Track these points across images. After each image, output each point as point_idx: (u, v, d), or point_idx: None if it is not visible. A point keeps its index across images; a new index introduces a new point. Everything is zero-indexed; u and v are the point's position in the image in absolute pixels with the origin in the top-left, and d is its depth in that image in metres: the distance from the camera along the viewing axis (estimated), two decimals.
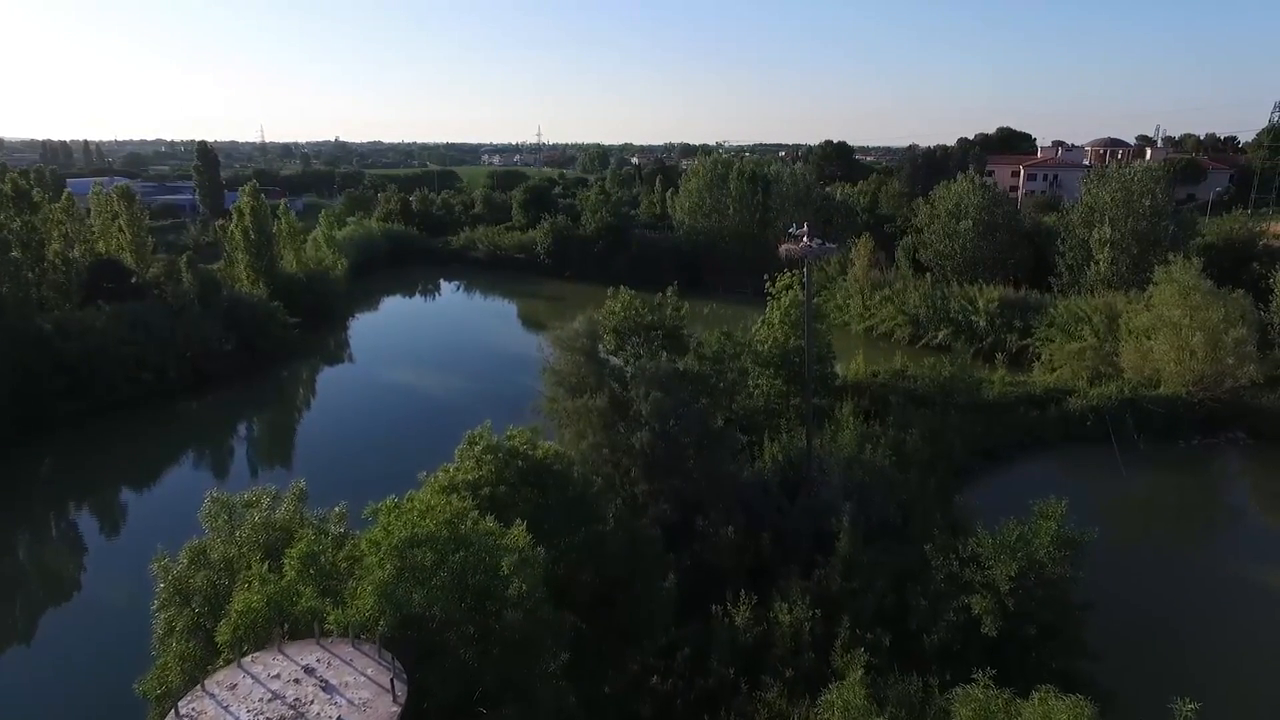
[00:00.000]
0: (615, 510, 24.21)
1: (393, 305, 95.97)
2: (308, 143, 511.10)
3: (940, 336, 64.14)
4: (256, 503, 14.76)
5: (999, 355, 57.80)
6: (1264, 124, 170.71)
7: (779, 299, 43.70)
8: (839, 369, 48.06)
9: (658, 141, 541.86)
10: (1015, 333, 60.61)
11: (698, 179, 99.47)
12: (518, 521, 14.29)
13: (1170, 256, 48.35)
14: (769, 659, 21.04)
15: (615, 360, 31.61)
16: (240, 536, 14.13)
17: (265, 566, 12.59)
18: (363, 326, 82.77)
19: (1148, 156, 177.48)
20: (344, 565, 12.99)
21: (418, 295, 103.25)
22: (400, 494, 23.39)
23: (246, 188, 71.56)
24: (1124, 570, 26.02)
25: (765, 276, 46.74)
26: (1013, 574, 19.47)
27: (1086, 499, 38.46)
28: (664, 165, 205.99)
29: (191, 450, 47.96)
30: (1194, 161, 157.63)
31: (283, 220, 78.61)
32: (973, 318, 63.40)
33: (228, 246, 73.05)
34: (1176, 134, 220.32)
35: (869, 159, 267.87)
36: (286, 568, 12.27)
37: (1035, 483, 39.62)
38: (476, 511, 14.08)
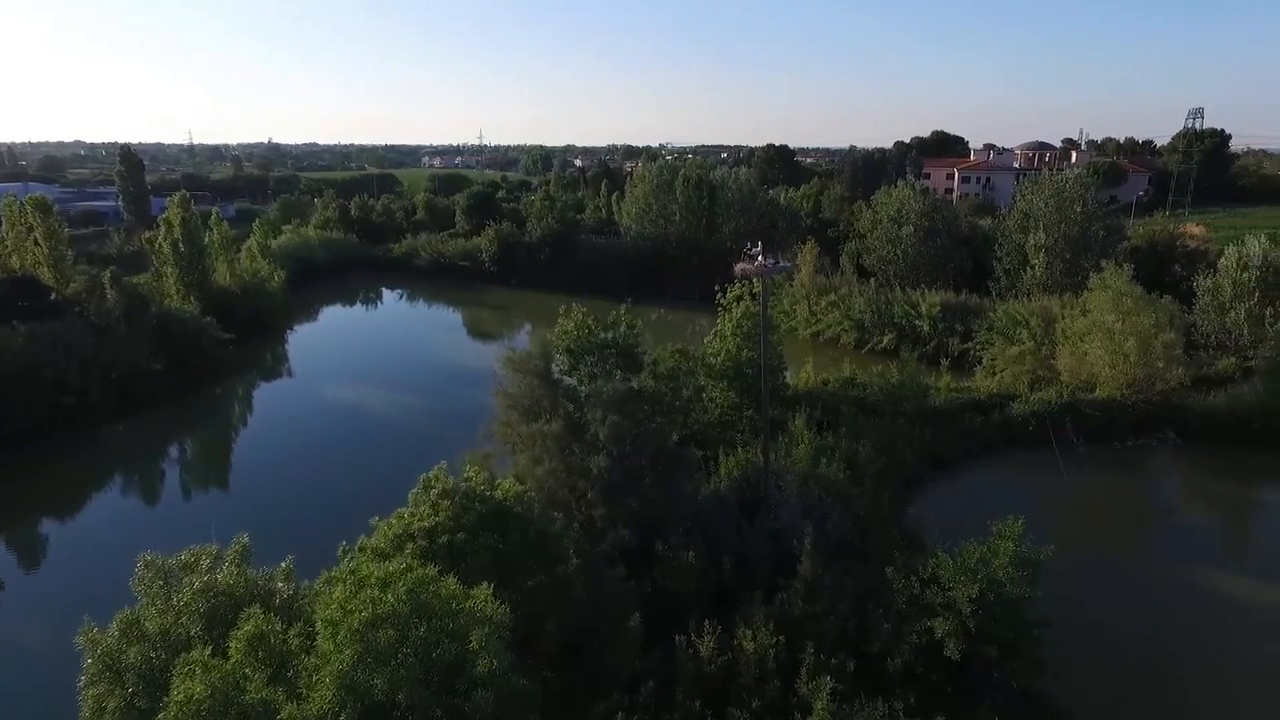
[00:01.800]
0: (575, 539, 23.68)
1: (333, 316, 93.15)
2: (239, 144, 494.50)
3: (885, 341, 65.32)
4: (195, 565, 13.69)
5: (943, 360, 58.99)
6: (1178, 128, 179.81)
7: (730, 310, 43.72)
8: (789, 378, 48.47)
9: (601, 143, 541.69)
10: (957, 336, 62.04)
11: (644, 185, 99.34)
12: (483, 585, 13.62)
13: (1102, 263, 50.01)
14: (734, 689, 20.81)
15: (569, 380, 30.99)
16: (178, 604, 13.02)
17: (208, 648, 11.56)
18: (302, 339, 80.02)
19: (1073, 159, 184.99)
20: (295, 642, 12.10)
21: (359, 305, 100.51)
22: (350, 531, 22.47)
23: (176, 198, 68.35)
24: (1067, 575, 26.50)
25: (716, 287, 46.86)
26: (974, 596, 19.68)
27: (1031, 504, 39.54)
28: (608, 168, 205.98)
29: (119, 479, 45.43)
30: (1116, 165, 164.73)
31: (215, 231, 75.43)
32: (916, 322, 64.70)
33: (155, 260, 69.74)
34: (1099, 138, 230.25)
35: (809, 160, 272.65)
36: (232, 650, 11.35)
37: (983, 489, 40.65)
38: (437, 570, 13.33)
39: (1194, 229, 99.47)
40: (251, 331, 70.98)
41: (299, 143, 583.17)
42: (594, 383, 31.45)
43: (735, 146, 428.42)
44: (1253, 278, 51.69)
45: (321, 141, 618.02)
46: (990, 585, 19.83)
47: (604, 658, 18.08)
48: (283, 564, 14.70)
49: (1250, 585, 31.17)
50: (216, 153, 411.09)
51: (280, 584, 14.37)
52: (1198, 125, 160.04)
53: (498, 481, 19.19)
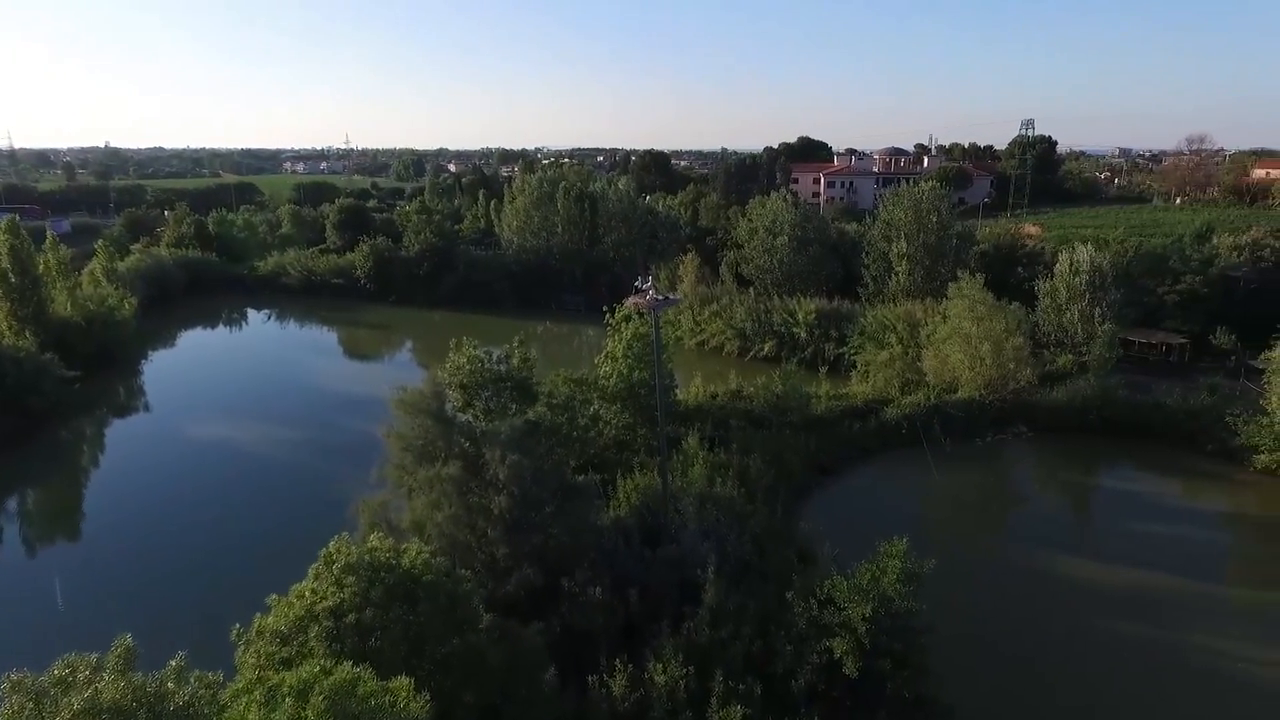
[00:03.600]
0: (480, 580, 23.36)
1: (195, 341, 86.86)
2: (70, 149, 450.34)
3: (766, 349, 67.98)
4: (72, 680, 12.46)
5: (821, 366, 62.03)
6: (1013, 135, 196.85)
7: (619, 330, 44.20)
8: (679, 393, 49.55)
9: (474, 146, 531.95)
10: (832, 342, 65.39)
11: (525, 197, 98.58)
12: (401, 679, 13.18)
13: (959, 273, 54.11)
14: None
15: (464, 417, 30.49)
16: None
17: None
18: (160, 370, 74.15)
19: (926, 164, 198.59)
20: None
21: (223, 327, 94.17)
22: (233, 597, 21.18)
23: (3, 223, 61.59)
24: (941, 574, 28.38)
25: (604, 309, 47.34)
26: (867, 614, 21.01)
27: (908, 503, 42.58)
28: (484, 175, 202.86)
29: None
30: (962, 169, 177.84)
31: (50, 255, 68.55)
32: (794, 330, 67.67)
33: None
34: (946, 143, 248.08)
35: (682, 164, 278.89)
36: None
37: (865, 493, 43.20)
38: (347, 657, 12.80)
39: (1031, 229, 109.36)
40: (100, 366, 65.18)
41: (142, 147, 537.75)
42: (490, 417, 31.17)
43: (611, 149, 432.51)
44: (1083, 281, 57.44)
45: (168, 146, 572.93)
46: (881, 602, 21.26)
47: (524, 717, 18.00)
48: (173, 661, 13.66)
49: (1096, 568, 34.71)
50: (43, 158, 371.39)
51: (171, 685, 13.34)
52: (1030, 133, 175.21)
53: (404, 547, 18.60)
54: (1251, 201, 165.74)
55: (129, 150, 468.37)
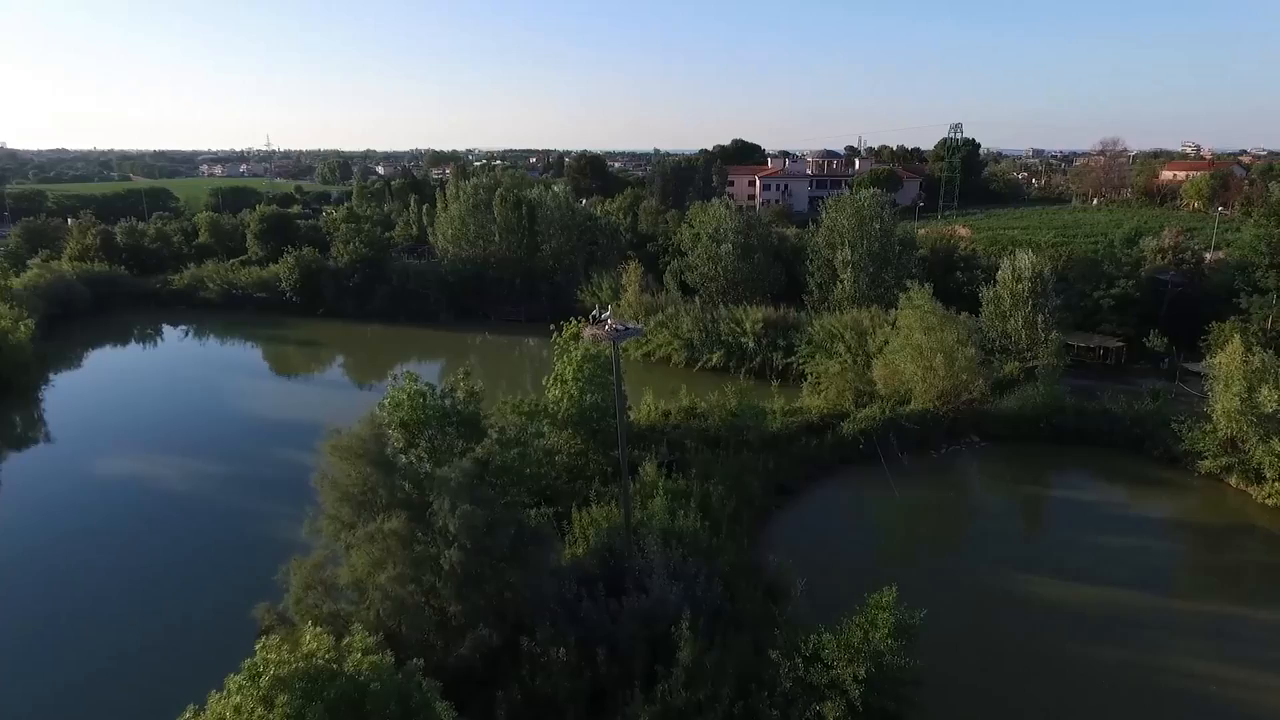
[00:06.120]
0: (436, 656, 21.07)
1: (102, 362, 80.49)
2: None
3: (715, 359, 66.78)
4: None
5: (771, 376, 61.13)
6: (937, 137, 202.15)
7: (570, 353, 42.10)
8: (631, 413, 47.70)
9: (403, 148, 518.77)
10: (780, 351, 64.59)
11: (459, 204, 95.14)
12: None
13: (907, 283, 53.83)
14: None
15: (406, 459, 27.91)
16: None
17: None
18: (62, 395, 68.22)
19: (857, 166, 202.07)
20: None
21: (135, 346, 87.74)
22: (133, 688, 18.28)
23: None
24: (908, 595, 27.44)
25: (549, 322, 45.15)
26: (862, 676, 19.59)
27: (869, 523, 41.79)
28: (415, 178, 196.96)
29: None
30: (893, 172, 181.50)
31: None
32: (742, 339, 66.64)
33: None
34: (875, 145, 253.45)
35: (616, 165, 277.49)
36: None
37: (826, 513, 42.16)
38: None
39: (961, 230, 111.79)
40: None
41: (42, 148, 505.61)
42: (435, 457, 28.67)
43: (544, 151, 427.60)
44: (1025, 288, 58.03)
45: (72, 147, 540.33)
46: (872, 658, 19.88)
47: None
48: None
49: (1058, 586, 34.36)
50: None
51: None
52: (958, 136, 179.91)
53: (346, 642, 16.17)
54: (1161, 202, 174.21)
55: (27, 152, 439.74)
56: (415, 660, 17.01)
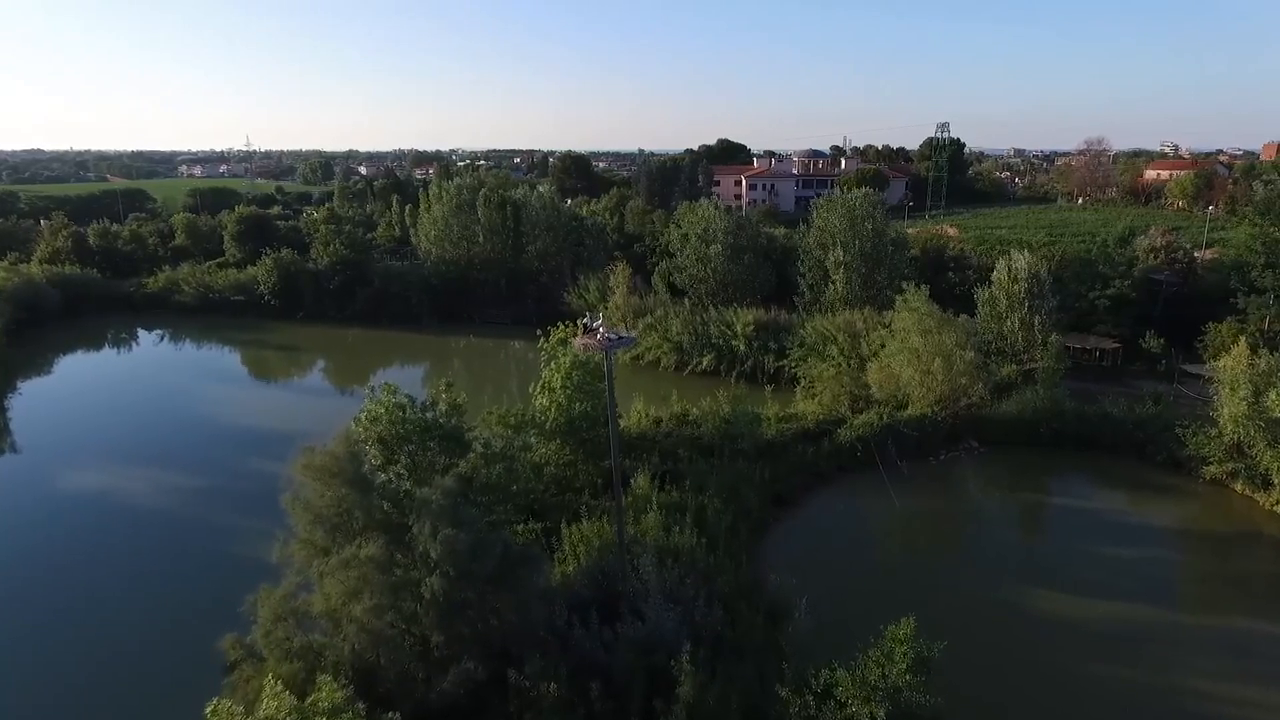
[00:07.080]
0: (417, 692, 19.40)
1: (74, 369, 77.86)
2: None
3: (705, 362, 65.31)
4: None
5: (763, 379, 59.85)
6: (922, 137, 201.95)
7: (558, 359, 40.47)
8: (621, 420, 46.14)
9: (386, 148, 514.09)
10: (771, 354, 63.21)
11: (443, 205, 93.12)
12: None
13: (903, 285, 52.58)
14: None
15: (383, 476, 26.23)
16: None
17: None
18: (31, 401, 65.83)
19: (843, 165, 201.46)
20: None
21: (109, 351, 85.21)
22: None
23: None
24: (911, 603, 26.04)
25: (534, 325, 43.52)
26: (880, 716, 18.14)
27: (869, 532, 40.45)
28: (398, 178, 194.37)
29: None
30: (879, 171, 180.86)
31: None
32: (733, 342, 65.25)
33: None
34: (860, 144, 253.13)
35: (601, 165, 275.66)
36: None
37: (825, 524, 40.74)
38: None
39: (950, 230, 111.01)
40: None
41: (16, 149, 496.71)
42: (415, 474, 27.01)
43: (528, 151, 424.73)
44: (1022, 289, 56.97)
45: (48, 148, 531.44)
46: (891, 697, 18.45)
47: None
48: None
49: (1063, 600, 33.06)
50: None
51: None
52: (945, 135, 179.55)
53: (311, 700, 14.51)
54: (1146, 201, 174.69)
55: (1, 153, 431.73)
56: (391, 715, 15.35)
